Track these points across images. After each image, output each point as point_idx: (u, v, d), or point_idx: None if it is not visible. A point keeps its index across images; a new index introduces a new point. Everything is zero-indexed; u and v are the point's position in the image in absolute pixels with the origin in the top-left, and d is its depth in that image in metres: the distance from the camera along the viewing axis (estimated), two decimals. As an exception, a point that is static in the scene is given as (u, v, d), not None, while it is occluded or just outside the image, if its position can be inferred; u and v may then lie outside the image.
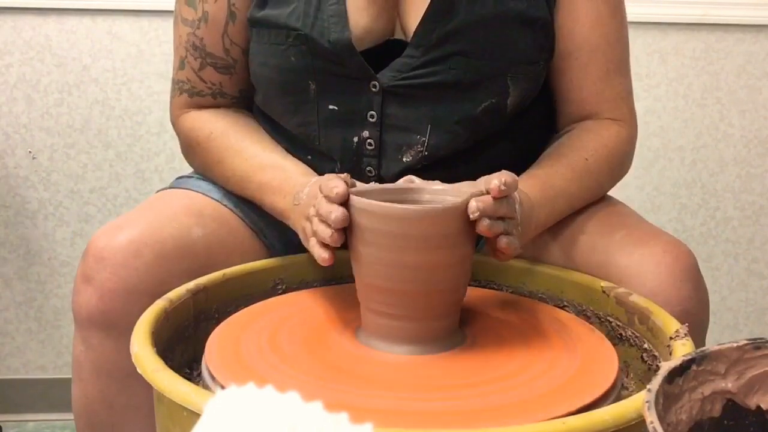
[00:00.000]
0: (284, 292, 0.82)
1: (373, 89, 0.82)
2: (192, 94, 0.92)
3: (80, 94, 1.58)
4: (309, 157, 0.87)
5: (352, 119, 0.84)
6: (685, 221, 1.69)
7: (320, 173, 0.83)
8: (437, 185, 0.72)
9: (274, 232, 0.89)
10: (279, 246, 0.89)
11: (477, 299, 0.76)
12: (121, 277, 0.74)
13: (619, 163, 0.89)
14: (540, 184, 0.80)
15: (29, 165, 1.60)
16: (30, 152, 1.60)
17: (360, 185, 0.71)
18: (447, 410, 0.56)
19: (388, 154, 0.85)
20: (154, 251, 0.76)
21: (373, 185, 0.73)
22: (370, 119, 0.83)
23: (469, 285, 0.69)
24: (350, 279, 0.70)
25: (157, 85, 1.59)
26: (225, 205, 0.88)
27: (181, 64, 0.92)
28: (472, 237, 0.65)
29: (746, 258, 1.72)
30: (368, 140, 0.84)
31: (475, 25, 0.82)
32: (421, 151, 0.84)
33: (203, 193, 0.88)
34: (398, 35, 0.85)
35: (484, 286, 0.86)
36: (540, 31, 0.85)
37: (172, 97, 0.94)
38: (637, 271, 0.76)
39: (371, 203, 0.63)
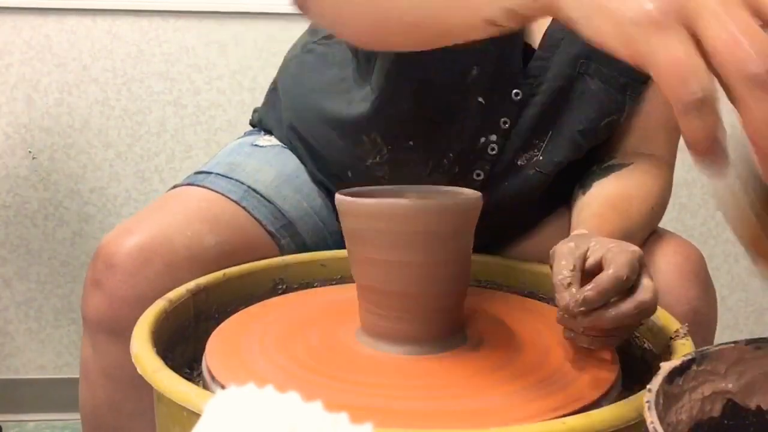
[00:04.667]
0: (284, 292, 0.82)
1: (515, 97, 0.80)
2: None
3: (80, 94, 1.58)
4: (416, 142, 0.82)
5: (488, 120, 0.81)
6: (685, 221, 1.69)
7: (423, 169, 0.81)
8: (419, 186, 0.72)
9: (289, 236, 0.87)
10: (292, 246, 0.88)
11: (477, 299, 0.76)
12: (131, 285, 0.74)
13: (661, 209, 0.85)
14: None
15: (29, 165, 1.60)
16: (30, 152, 1.60)
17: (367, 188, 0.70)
18: (447, 410, 0.56)
19: (504, 157, 0.83)
20: (164, 260, 0.75)
21: (362, 188, 0.72)
22: (503, 125, 0.81)
23: (469, 285, 0.69)
24: (350, 279, 0.70)
25: (157, 85, 1.59)
26: (244, 207, 0.84)
27: None
28: (468, 236, 0.65)
29: (746, 258, 1.72)
30: (492, 144, 0.82)
31: None
32: (536, 155, 0.82)
33: (222, 194, 0.85)
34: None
35: (484, 286, 0.86)
36: None
37: None
38: None
39: (357, 201, 0.63)
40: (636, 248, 0.61)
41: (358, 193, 0.66)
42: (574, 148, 0.83)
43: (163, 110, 1.60)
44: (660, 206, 0.83)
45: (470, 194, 0.67)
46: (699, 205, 1.69)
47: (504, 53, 0.79)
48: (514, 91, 0.80)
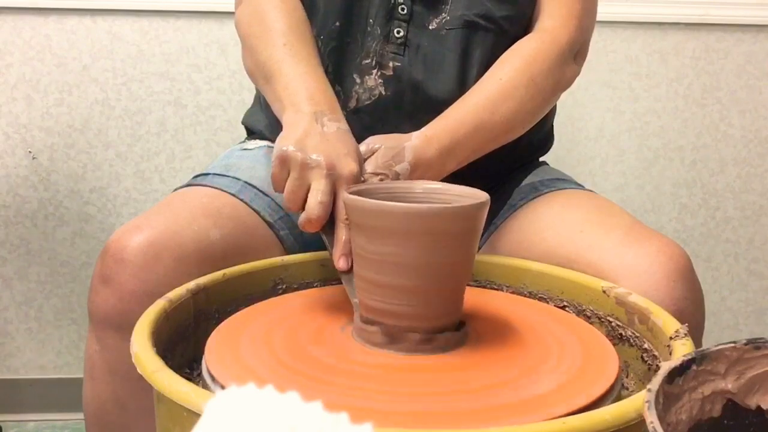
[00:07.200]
0: (284, 292, 0.82)
1: None
2: None
3: (80, 94, 1.58)
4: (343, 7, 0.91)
5: None
6: (685, 221, 1.69)
7: (354, 29, 0.91)
8: (425, 183, 0.72)
9: (286, 224, 0.89)
10: (290, 238, 0.89)
11: (477, 299, 0.76)
12: (141, 280, 0.74)
13: (545, 76, 0.87)
14: (443, 130, 0.82)
15: (29, 165, 1.60)
16: (30, 152, 1.60)
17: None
18: (447, 410, 0.56)
19: (415, 20, 0.91)
20: (174, 255, 0.76)
21: (367, 184, 0.73)
22: None
23: (469, 285, 0.69)
24: (350, 279, 0.70)
25: (157, 85, 1.59)
26: (241, 200, 0.87)
27: None
28: (473, 237, 0.65)
29: (746, 258, 1.72)
30: (401, 5, 0.90)
31: None
32: (444, 17, 0.90)
33: (220, 189, 0.88)
34: None
35: (484, 286, 0.86)
36: None
37: None
38: (631, 272, 0.76)
39: (375, 203, 0.63)
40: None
41: (366, 192, 0.67)
42: (481, 4, 0.90)
43: (163, 110, 1.60)
44: (510, 77, 0.86)
45: (477, 196, 0.67)
46: (699, 205, 1.69)
47: None
48: None
